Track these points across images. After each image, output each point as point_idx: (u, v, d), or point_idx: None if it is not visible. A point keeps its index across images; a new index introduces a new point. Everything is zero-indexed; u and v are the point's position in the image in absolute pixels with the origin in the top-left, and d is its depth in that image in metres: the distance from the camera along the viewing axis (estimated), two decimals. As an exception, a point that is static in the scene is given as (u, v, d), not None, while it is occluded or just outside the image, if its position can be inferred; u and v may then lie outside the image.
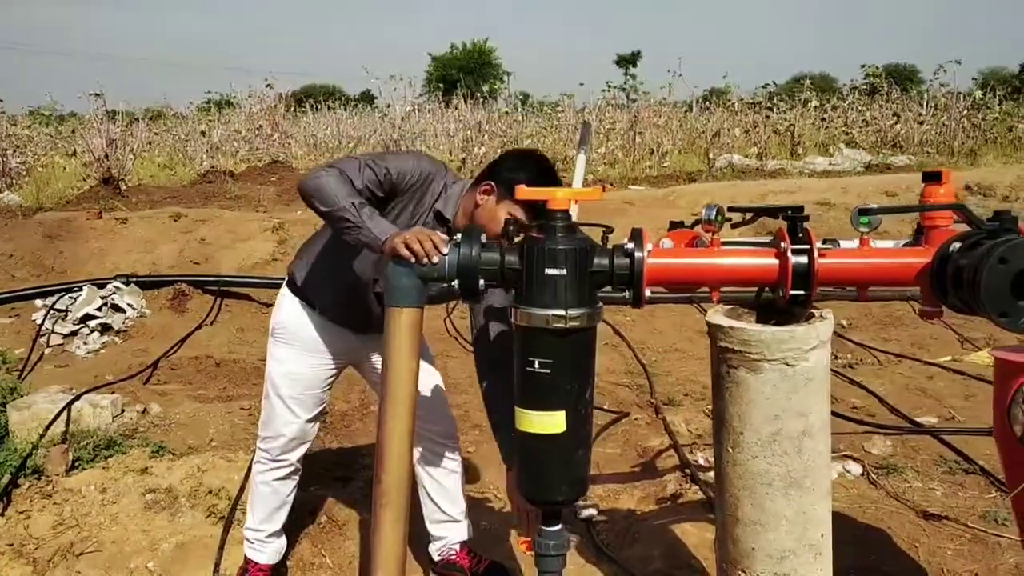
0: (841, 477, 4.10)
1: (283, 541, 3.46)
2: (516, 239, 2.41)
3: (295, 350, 3.18)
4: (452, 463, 3.42)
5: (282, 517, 3.38)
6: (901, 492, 3.95)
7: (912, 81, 27.26)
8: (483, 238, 2.40)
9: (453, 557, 3.47)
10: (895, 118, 15.98)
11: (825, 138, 15.90)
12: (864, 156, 13.50)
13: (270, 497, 3.34)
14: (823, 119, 16.63)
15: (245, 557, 3.39)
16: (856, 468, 4.17)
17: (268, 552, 3.40)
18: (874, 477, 4.09)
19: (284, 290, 3.22)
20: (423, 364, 3.13)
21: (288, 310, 3.18)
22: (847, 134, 16.03)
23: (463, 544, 3.49)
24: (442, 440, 3.38)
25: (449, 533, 3.47)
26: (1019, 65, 37.96)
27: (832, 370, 5.85)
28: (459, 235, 2.41)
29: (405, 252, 2.37)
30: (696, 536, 3.55)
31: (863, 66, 17.95)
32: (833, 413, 4.80)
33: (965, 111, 15.42)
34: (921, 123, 15.49)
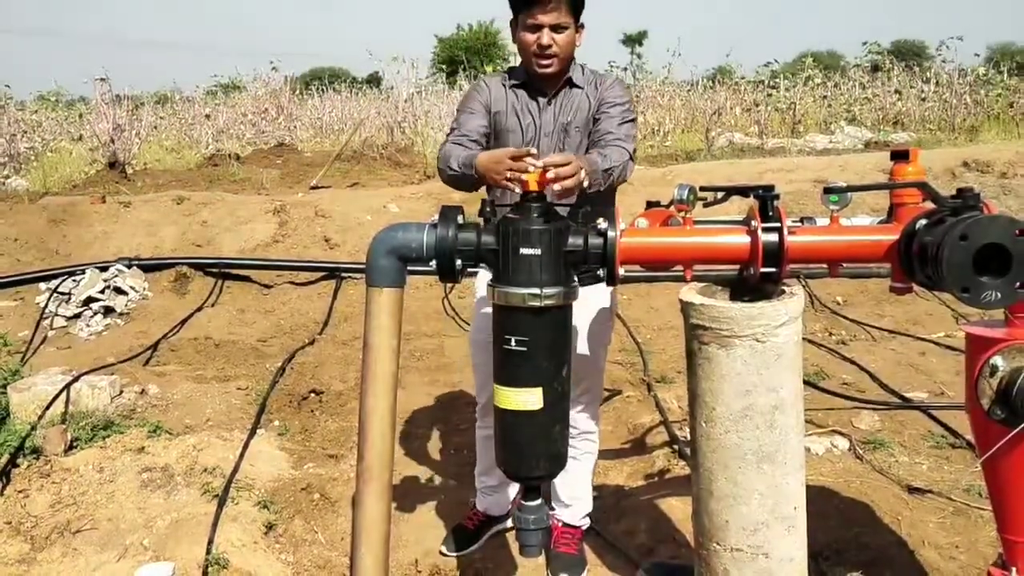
0: (828, 452, 4.15)
1: (504, 497, 3.67)
2: (493, 219, 2.46)
3: (480, 318, 3.36)
4: (578, 449, 3.42)
5: (500, 474, 3.41)
6: (887, 466, 3.99)
7: (920, 57, 27.13)
8: (460, 218, 2.44)
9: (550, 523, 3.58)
10: (897, 95, 15.93)
11: (827, 116, 15.86)
12: (865, 134, 13.48)
13: (485, 453, 3.54)
14: (824, 97, 16.58)
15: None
16: (843, 443, 4.22)
17: (485, 501, 3.71)
18: (860, 452, 4.13)
19: None
20: (585, 326, 3.24)
21: (480, 278, 3.35)
22: (849, 112, 15.99)
23: (566, 524, 3.57)
24: (579, 413, 3.37)
25: (557, 509, 3.58)
26: (1027, 40, 37.60)
27: (824, 346, 5.97)
28: (435, 216, 2.45)
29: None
30: (681, 511, 3.61)
31: (865, 43, 17.91)
32: (822, 389, 4.93)
33: (967, 87, 15.37)
34: (923, 100, 15.44)
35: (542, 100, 3.17)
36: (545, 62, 3.07)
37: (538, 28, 3.02)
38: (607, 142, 3.01)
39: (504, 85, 3.21)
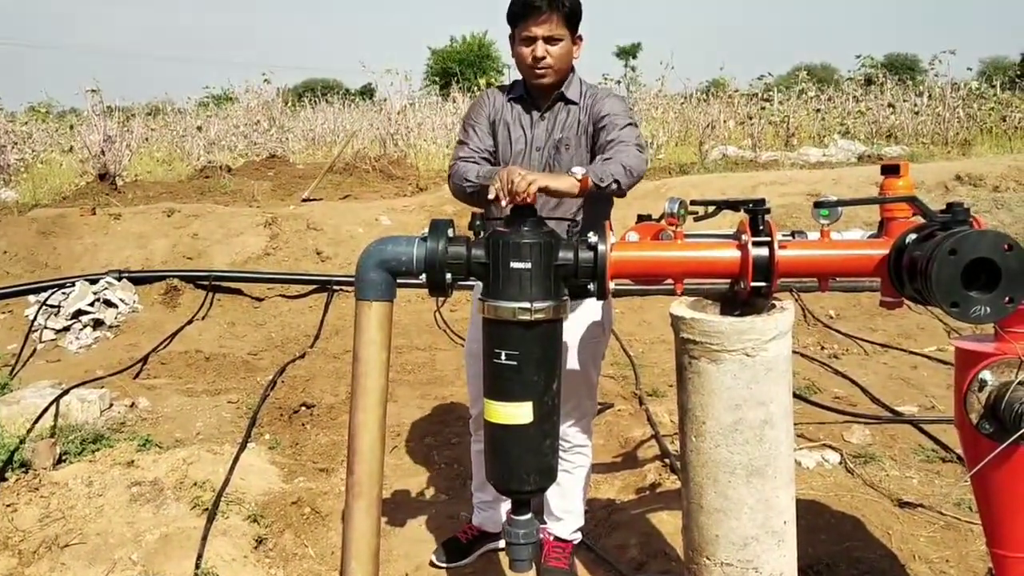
0: (819, 466, 4.14)
1: (499, 514, 3.62)
2: (482, 233, 2.46)
3: (474, 330, 3.35)
4: (571, 463, 3.44)
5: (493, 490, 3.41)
6: (878, 480, 3.99)
7: (913, 71, 27.27)
8: (450, 232, 2.44)
9: (541, 537, 3.51)
10: (890, 109, 15.99)
11: (820, 129, 15.91)
12: (858, 147, 13.50)
13: (480, 468, 3.53)
14: (818, 110, 16.63)
15: None
16: (834, 457, 4.22)
17: (480, 517, 3.71)
18: (851, 466, 4.13)
19: None
20: (577, 341, 3.21)
21: (478, 290, 3.28)
22: (842, 125, 16.04)
23: (557, 537, 3.55)
24: (571, 427, 3.37)
25: (549, 522, 3.55)
26: (1020, 54, 37.83)
27: (816, 360, 5.97)
28: (426, 229, 2.45)
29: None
30: (672, 525, 3.60)
31: (859, 56, 17.98)
32: (813, 402, 4.93)
33: (960, 101, 15.43)
34: (917, 113, 15.48)
35: (535, 114, 3.19)
36: (539, 72, 3.08)
37: (532, 40, 3.04)
38: (610, 148, 2.99)
39: (504, 98, 3.25)
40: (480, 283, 2.81)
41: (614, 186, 2.84)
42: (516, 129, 3.18)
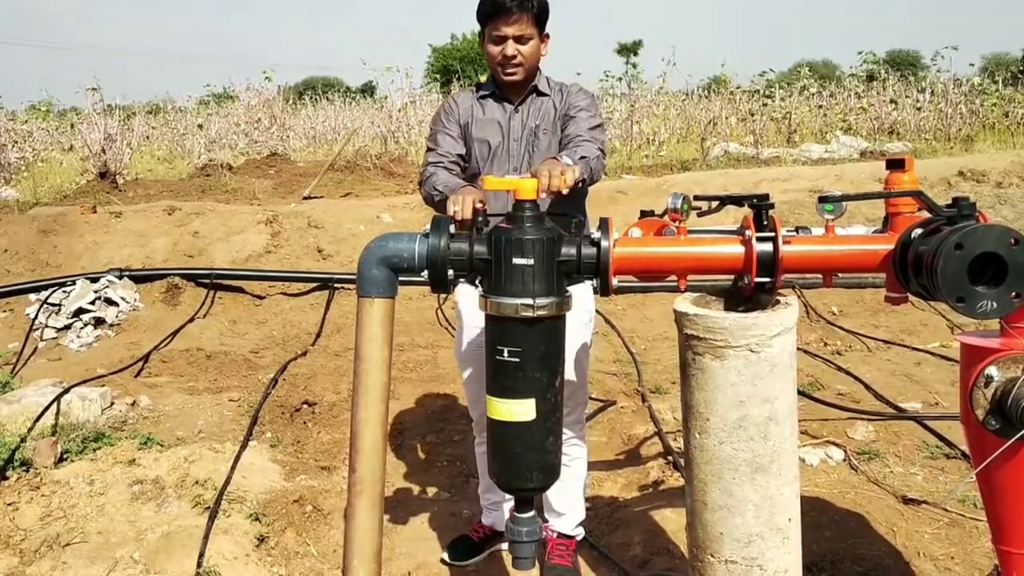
0: (823, 463, 4.13)
1: (503, 513, 3.62)
2: (485, 229, 2.44)
3: (465, 333, 3.38)
4: (567, 455, 3.35)
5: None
6: (882, 477, 3.98)
7: (915, 67, 27.24)
8: (452, 228, 2.42)
9: (544, 535, 3.46)
10: (892, 105, 15.98)
11: (822, 125, 15.89)
12: (860, 143, 13.48)
13: (485, 470, 3.51)
14: (820, 106, 16.61)
15: None
16: (838, 454, 4.21)
17: (491, 517, 3.72)
18: (855, 463, 4.12)
19: None
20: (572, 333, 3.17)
21: (460, 293, 3.37)
22: (844, 121, 16.02)
23: (561, 534, 3.55)
24: (566, 419, 3.33)
25: (550, 519, 3.54)
26: (1022, 50, 37.76)
27: (819, 356, 5.95)
28: (427, 226, 2.44)
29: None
30: (675, 522, 3.59)
31: (860, 52, 17.94)
32: (817, 399, 4.92)
33: (962, 97, 15.40)
34: (919, 109, 15.46)
35: (509, 107, 3.29)
36: (510, 70, 3.19)
37: (503, 40, 3.14)
38: (577, 143, 3.09)
39: (473, 97, 3.34)
40: (464, 286, 2.82)
41: (582, 184, 2.95)
42: (491, 124, 3.28)
